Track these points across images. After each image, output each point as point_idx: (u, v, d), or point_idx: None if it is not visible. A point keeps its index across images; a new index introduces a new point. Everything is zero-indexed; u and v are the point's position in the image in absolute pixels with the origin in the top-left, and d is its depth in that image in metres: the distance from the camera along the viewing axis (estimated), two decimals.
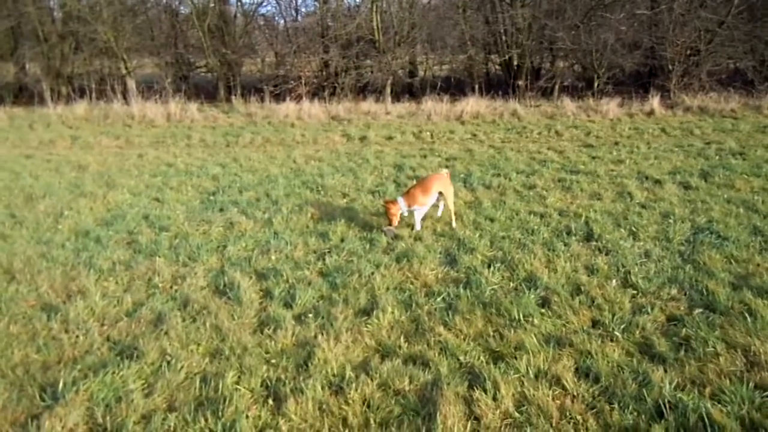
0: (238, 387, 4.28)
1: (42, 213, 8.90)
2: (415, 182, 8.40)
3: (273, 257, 6.83)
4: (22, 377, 4.53)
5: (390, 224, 7.41)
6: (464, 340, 4.90)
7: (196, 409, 4.05)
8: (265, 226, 7.97)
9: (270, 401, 4.15)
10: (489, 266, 6.31)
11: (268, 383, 4.37)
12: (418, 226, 7.61)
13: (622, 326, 4.99)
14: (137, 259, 6.90)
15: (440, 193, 7.71)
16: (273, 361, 4.66)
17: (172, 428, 3.89)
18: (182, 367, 4.54)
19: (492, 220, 7.91)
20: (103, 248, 7.28)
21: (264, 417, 3.98)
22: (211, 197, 9.62)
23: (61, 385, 4.32)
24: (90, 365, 4.63)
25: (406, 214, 7.56)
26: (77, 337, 5.11)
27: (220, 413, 3.98)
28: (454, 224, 7.69)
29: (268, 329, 5.15)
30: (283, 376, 4.44)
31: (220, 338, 5.04)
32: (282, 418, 3.96)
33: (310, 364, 4.57)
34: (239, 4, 25.20)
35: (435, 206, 7.98)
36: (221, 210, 8.82)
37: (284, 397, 4.15)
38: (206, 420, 3.92)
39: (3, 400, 4.23)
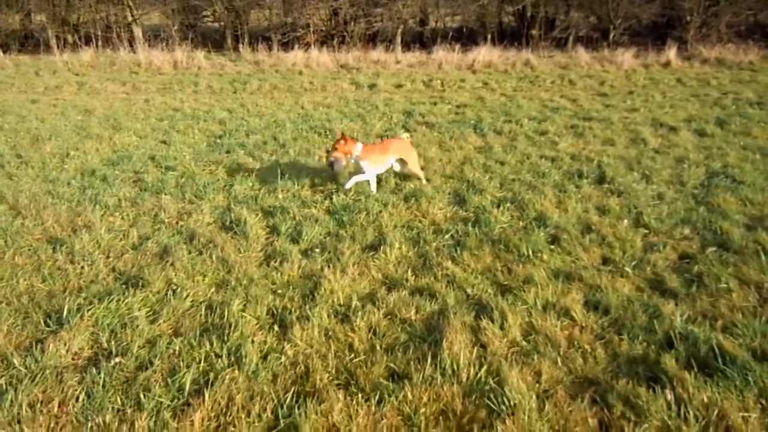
0: (244, 314, 4.26)
1: (48, 154, 8.83)
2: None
3: (280, 196, 6.76)
4: (27, 305, 4.52)
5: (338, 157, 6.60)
6: (472, 274, 4.85)
7: (201, 335, 4.04)
8: (272, 167, 7.87)
9: (276, 328, 4.13)
10: (498, 206, 6.22)
11: (274, 311, 4.35)
12: (373, 189, 6.83)
13: (633, 263, 4.93)
14: (143, 197, 6.85)
15: (401, 160, 7.08)
16: (279, 291, 4.64)
17: (177, 352, 3.87)
18: (188, 296, 4.52)
19: (502, 164, 7.79)
20: (109, 186, 7.23)
21: (270, 342, 3.96)
22: (218, 140, 9.52)
23: (65, 311, 4.31)
24: (95, 294, 4.61)
25: (353, 160, 6.71)
26: (82, 267, 5.09)
27: (225, 338, 3.97)
28: (425, 182, 7.10)
29: (275, 262, 5.12)
30: (289, 305, 4.41)
31: (226, 270, 5.01)
32: (288, 343, 3.94)
33: (316, 294, 4.54)
34: None
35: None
36: (228, 152, 8.73)
37: (290, 324, 4.12)
38: (211, 344, 3.90)
39: (8, 326, 4.22)
